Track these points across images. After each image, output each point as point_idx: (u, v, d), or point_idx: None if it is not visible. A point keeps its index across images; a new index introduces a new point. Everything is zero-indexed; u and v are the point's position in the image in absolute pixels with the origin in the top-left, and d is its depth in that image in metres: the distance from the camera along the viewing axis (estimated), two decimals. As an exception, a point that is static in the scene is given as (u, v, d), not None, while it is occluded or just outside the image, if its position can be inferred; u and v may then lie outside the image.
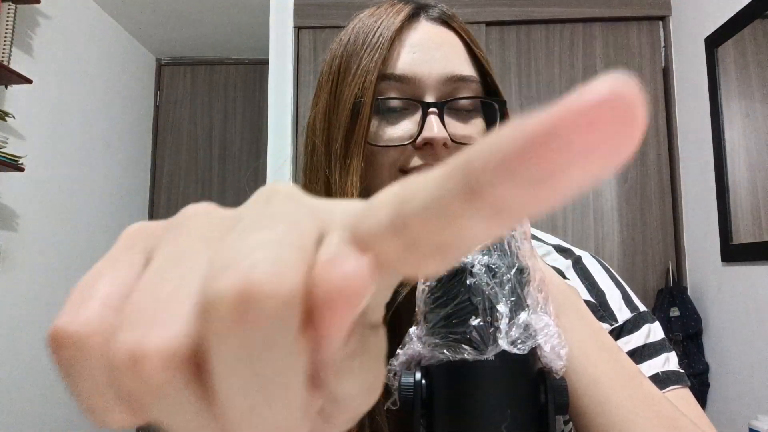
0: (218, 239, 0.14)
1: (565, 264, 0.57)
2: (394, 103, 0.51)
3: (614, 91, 0.10)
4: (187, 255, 0.14)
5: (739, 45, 1.63)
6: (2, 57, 1.87)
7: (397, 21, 0.51)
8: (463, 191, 0.11)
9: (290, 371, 0.13)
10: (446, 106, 0.50)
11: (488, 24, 2.05)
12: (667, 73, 2.02)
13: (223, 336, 0.12)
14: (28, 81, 1.98)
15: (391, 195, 0.13)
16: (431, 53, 0.51)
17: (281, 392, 0.13)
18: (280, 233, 0.13)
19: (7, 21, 1.89)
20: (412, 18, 0.53)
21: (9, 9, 1.90)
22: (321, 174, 0.53)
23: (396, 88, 0.50)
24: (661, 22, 2.04)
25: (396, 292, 0.56)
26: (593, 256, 0.59)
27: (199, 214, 0.16)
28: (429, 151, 0.50)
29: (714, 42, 1.74)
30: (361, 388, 0.15)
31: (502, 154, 0.11)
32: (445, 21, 0.54)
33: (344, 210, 0.15)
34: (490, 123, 0.54)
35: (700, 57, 1.81)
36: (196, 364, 0.13)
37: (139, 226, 0.17)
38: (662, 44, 2.04)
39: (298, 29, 2.09)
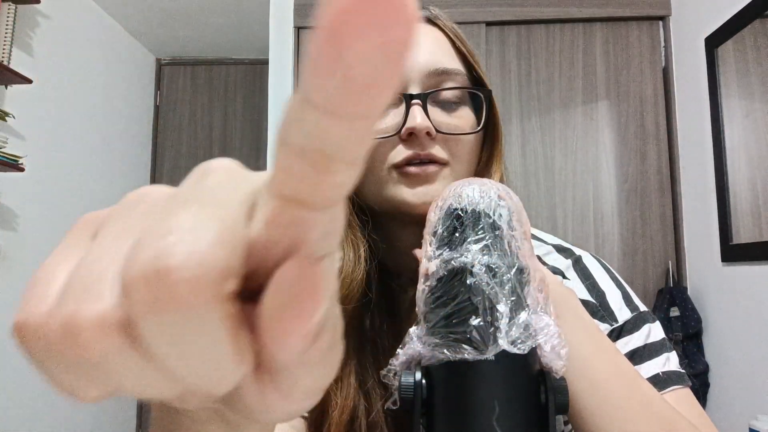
0: (153, 218, 0.14)
1: (566, 264, 0.57)
2: None
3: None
4: (124, 233, 0.14)
5: (739, 45, 1.63)
6: (2, 57, 1.87)
7: None
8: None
9: (217, 340, 0.13)
10: (430, 98, 0.51)
11: (488, 24, 2.05)
12: (667, 73, 2.02)
13: (143, 312, 0.12)
14: (28, 81, 1.97)
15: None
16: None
17: (210, 353, 0.13)
18: (207, 212, 0.13)
19: (7, 21, 1.89)
20: None
21: (9, 9, 1.90)
22: None
23: None
24: (661, 22, 2.04)
25: (396, 293, 0.56)
26: (593, 256, 0.59)
27: (147, 194, 0.16)
28: (414, 141, 0.50)
29: (714, 42, 1.74)
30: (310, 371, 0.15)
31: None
32: (430, 20, 0.55)
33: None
34: (478, 114, 0.54)
35: (700, 57, 1.81)
36: (131, 331, 0.13)
37: (91, 213, 0.17)
38: (662, 44, 2.04)
39: (298, 29, 2.09)
